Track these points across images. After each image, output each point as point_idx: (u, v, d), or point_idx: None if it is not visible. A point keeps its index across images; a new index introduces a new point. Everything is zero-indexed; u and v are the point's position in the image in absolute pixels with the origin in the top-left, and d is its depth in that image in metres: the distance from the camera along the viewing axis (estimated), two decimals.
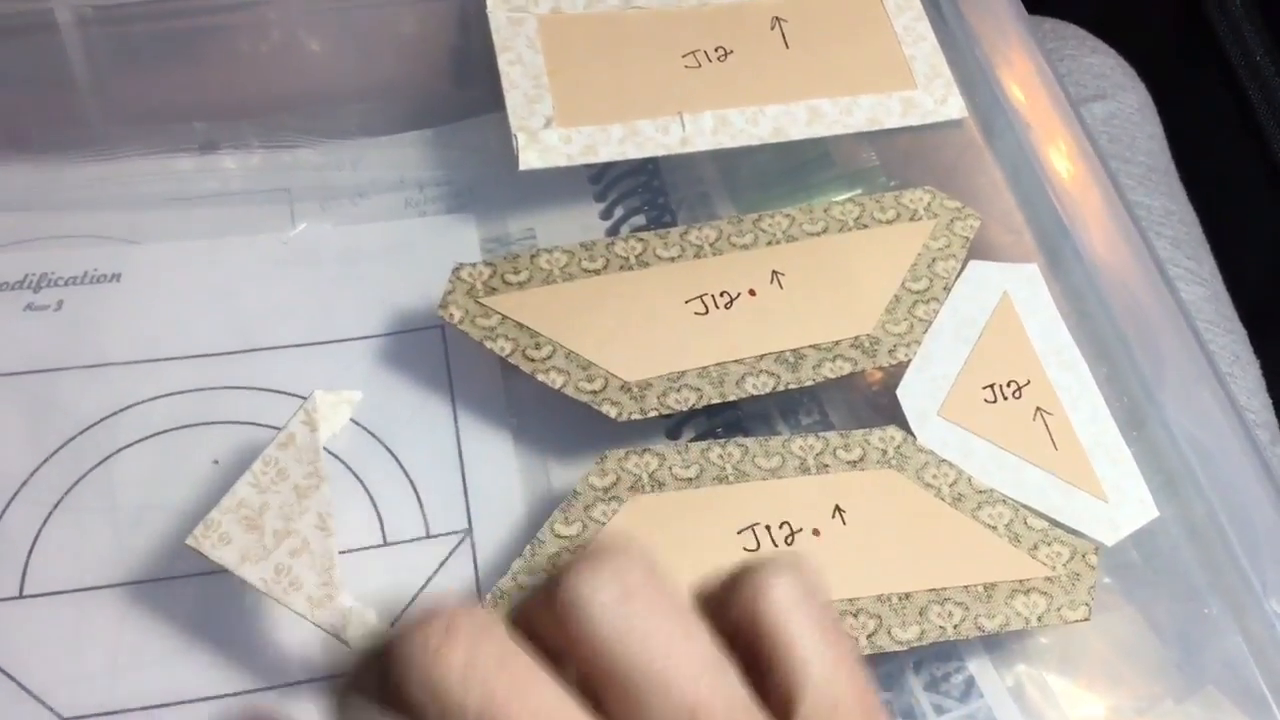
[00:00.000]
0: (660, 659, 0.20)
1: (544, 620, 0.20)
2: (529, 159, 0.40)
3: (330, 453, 0.37)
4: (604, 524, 0.34)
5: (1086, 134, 0.46)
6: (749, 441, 0.36)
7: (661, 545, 0.34)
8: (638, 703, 0.19)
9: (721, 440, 0.36)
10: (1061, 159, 0.45)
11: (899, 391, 0.38)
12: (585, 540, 0.34)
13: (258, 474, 0.33)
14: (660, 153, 0.42)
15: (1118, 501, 0.36)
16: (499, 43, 0.42)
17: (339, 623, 0.32)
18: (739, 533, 0.34)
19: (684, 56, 0.44)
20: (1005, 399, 0.38)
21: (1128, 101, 0.58)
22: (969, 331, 0.39)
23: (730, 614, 0.21)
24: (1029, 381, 0.38)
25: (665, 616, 0.20)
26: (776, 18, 0.45)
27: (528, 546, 0.33)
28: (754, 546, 0.34)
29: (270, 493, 0.33)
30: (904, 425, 0.37)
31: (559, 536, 0.34)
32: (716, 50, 0.44)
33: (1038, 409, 0.38)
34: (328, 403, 0.35)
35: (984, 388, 0.38)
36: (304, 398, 0.38)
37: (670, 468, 0.35)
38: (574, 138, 0.41)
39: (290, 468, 0.33)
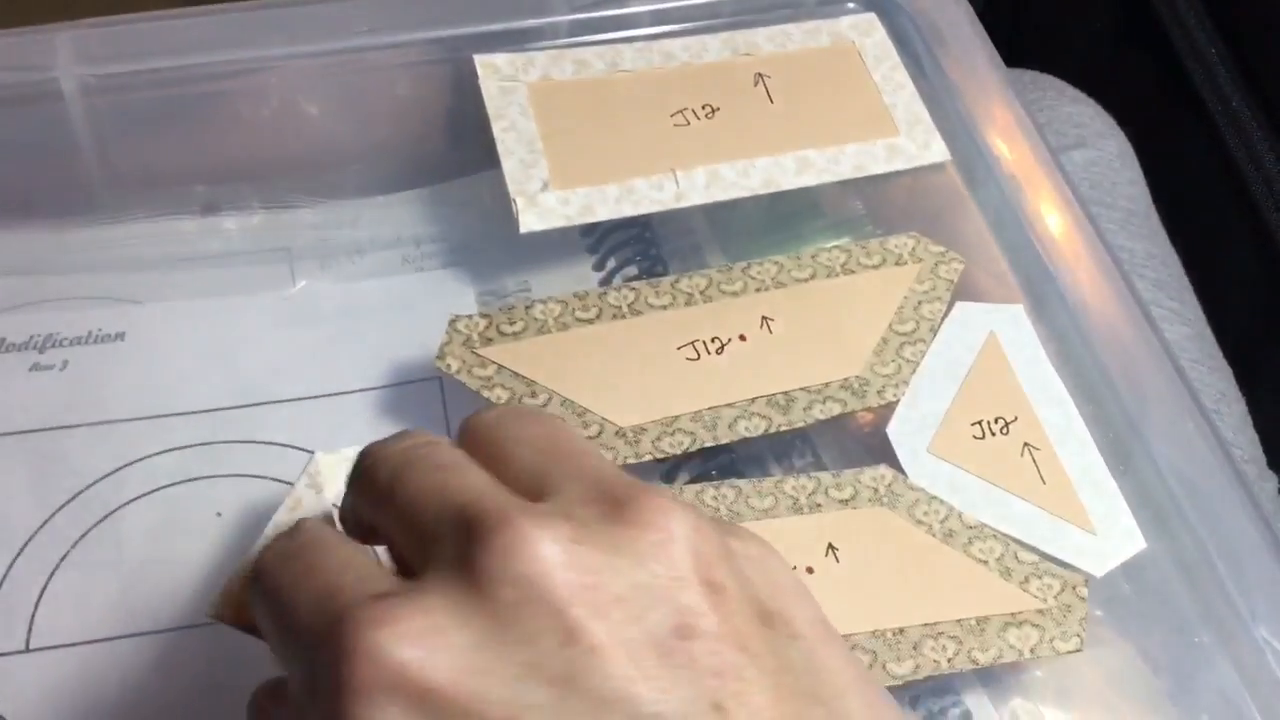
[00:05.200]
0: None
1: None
2: (529, 222, 0.41)
3: (333, 503, 0.38)
4: None
5: (1067, 181, 0.47)
6: (742, 483, 0.37)
7: None
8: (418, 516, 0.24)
9: (715, 483, 0.37)
10: (1043, 205, 0.46)
11: (889, 430, 0.38)
12: None
13: (270, 539, 0.33)
14: (656, 209, 0.43)
15: (1105, 534, 0.37)
16: (492, 111, 0.43)
17: None
18: None
19: (672, 115, 0.45)
20: (993, 435, 0.38)
21: (1107, 149, 0.59)
22: (957, 370, 0.40)
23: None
24: (1016, 418, 0.39)
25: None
26: (759, 74, 0.46)
27: None
28: None
29: None
30: (895, 464, 0.38)
31: None
32: (704, 108, 0.45)
33: (1025, 444, 0.38)
34: (330, 463, 0.35)
35: (972, 424, 0.39)
36: (306, 450, 0.39)
37: None
38: (571, 199, 0.42)
39: None
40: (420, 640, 0.21)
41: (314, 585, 0.24)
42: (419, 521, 0.24)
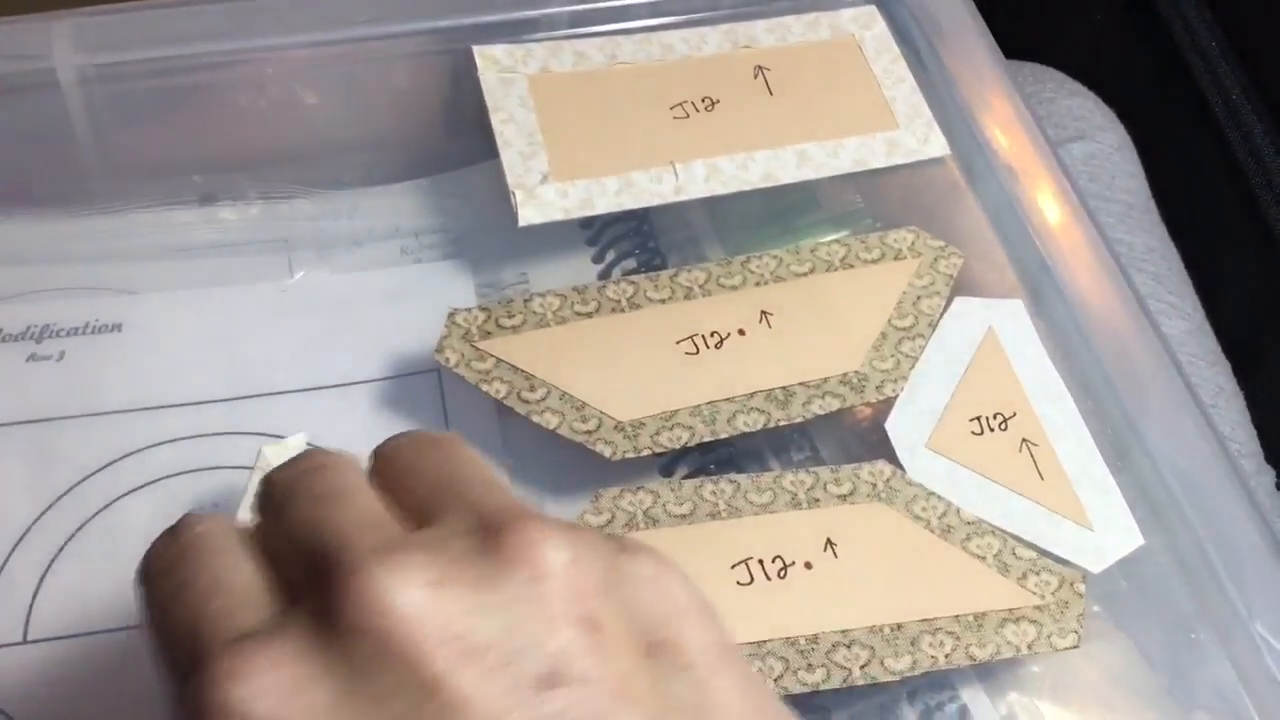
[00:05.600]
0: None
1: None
2: (528, 215, 0.41)
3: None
4: None
5: (1066, 174, 0.47)
6: (741, 478, 0.37)
7: None
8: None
9: (714, 477, 0.37)
10: (1042, 198, 0.46)
11: (888, 425, 0.38)
12: None
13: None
14: (655, 202, 0.42)
15: (1103, 530, 0.37)
16: (491, 103, 0.43)
17: None
18: (732, 567, 0.35)
19: (672, 108, 0.45)
20: (992, 431, 0.38)
21: (1107, 141, 0.59)
22: (955, 366, 0.40)
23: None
24: (1015, 414, 0.39)
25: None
26: (759, 66, 0.46)
27: None
28: (747, 580, 0.35)
29: None
30: (893, 458, 0.38)
31: None
32: (703, 100, 0.45)
33: (1024, 440, 0.38)
34: (278, 454, 0.35)
35: (971, 420, 0.39)
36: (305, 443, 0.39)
37: (664, 505, 0.36)
38: (570, 192, 0.42)
39: None
40: (277, 699, 0.20)
41: (182, 611, 0.22)
42: (295, 555, 0.23)
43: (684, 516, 0.36)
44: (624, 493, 0.36)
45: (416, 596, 0.21)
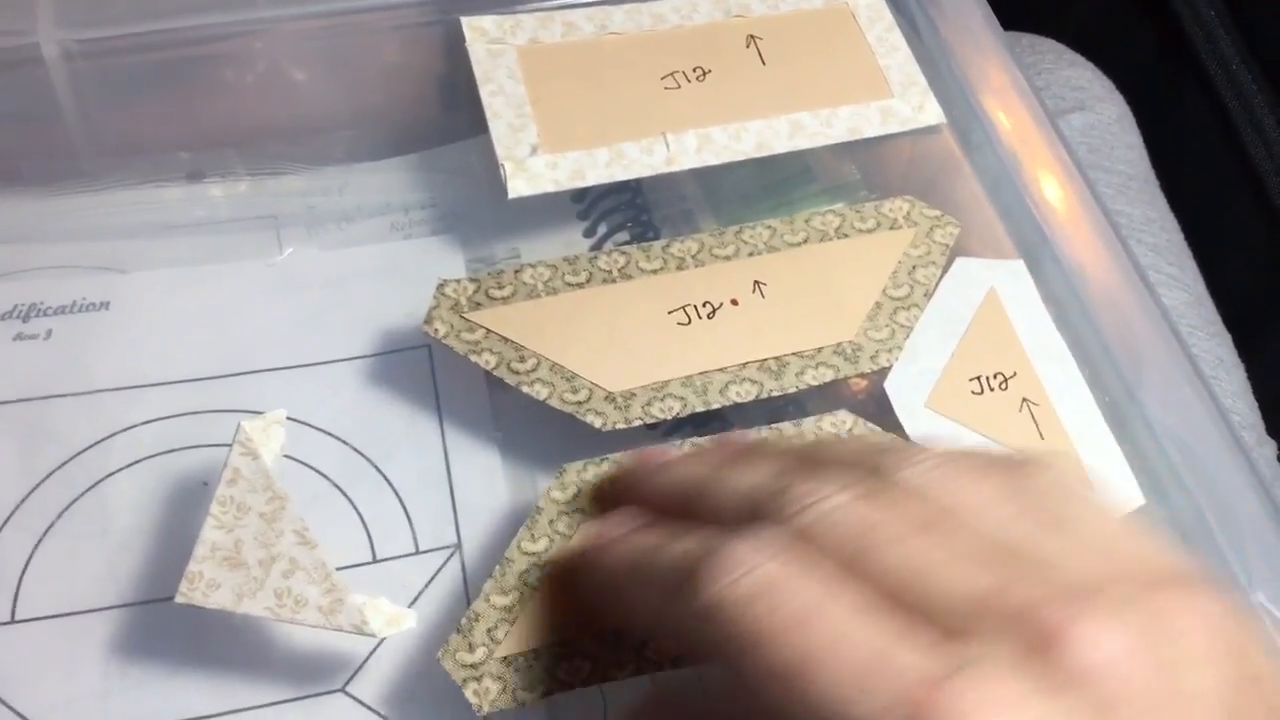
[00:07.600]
0: None
1: None
2: (517, 187, 0.40)
3: (318, 472, 0.37)
4: (570, 537, 0.34)
5: (1064, 144, 0.46)
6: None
7: None
8: None
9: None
10: (1040, 169, 0.45)
11: (886, 385, 0.38)
12: (553, 555, 0.33)
13: (219, 516, 0.33)
14: (646, 173, 0.42)
15: (1105, 489, 0.37)
16: (480, 75, 0.43)
17: (358, 620, 0.32)
18: None
19: (663, 78, 0.44)
20: (992, 390, 0.38)
21: (1106, 113, 0.58)
22: (956, 326, 0.39)
23: None
24: (1015, 373, 0.38)
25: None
26: (751, 35, 0.45)
27: (497, 566, 0.33)
28: None
29: (238, 529, 0.32)
30: (890, 427, 0.37)
31: (526, 553, 0.33)
32: (695, 70, 0.45)
33: (1024, 400, 0.38)
34: (258, 428, 0.34)
35: (970, 380, 0.38)
36: (293, 419, 0.39)
37: None
38: (560, 163, 0.41)
39: (247, 500, 0.33)
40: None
41: (850, 652, 0.23)
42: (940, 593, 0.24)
43: None
44: (588, 466, 0.35)
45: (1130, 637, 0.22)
